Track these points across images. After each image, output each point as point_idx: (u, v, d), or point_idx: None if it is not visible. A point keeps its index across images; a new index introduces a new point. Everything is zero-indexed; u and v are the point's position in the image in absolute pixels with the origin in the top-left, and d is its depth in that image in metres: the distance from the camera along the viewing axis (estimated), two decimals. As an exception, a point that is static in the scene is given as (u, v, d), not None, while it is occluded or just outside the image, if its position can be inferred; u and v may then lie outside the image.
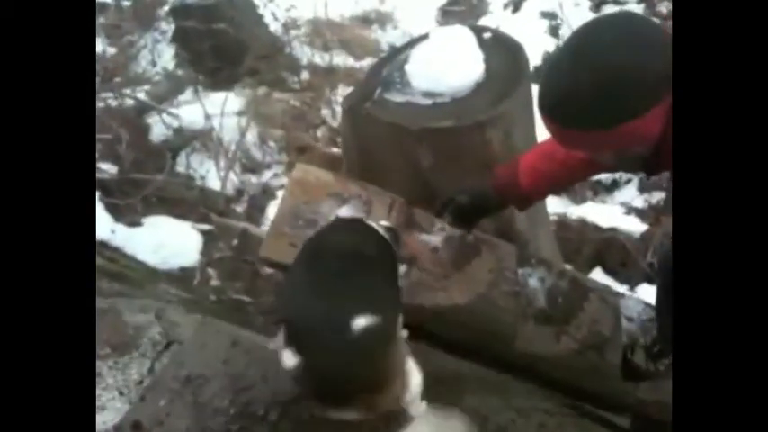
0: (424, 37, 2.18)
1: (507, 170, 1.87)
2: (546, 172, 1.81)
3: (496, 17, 4.39)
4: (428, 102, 2.08)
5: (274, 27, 4.47)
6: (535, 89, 2.44)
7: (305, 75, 4.31)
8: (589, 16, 4.35)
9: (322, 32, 4.42)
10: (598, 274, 3.33)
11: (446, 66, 2.07)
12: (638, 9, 4.40)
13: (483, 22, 4.37)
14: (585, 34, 1.34)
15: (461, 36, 2.12)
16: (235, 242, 3.26)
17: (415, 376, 1.32)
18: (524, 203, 1.93)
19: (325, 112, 4.02)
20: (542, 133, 2.68)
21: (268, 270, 2.83)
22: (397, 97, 2.12)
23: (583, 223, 3.55)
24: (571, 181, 2.01)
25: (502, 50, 2.16)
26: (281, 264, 2.13)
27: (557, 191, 2.28)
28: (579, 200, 3.68)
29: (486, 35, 2.18)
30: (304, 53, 4.37)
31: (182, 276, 3.06)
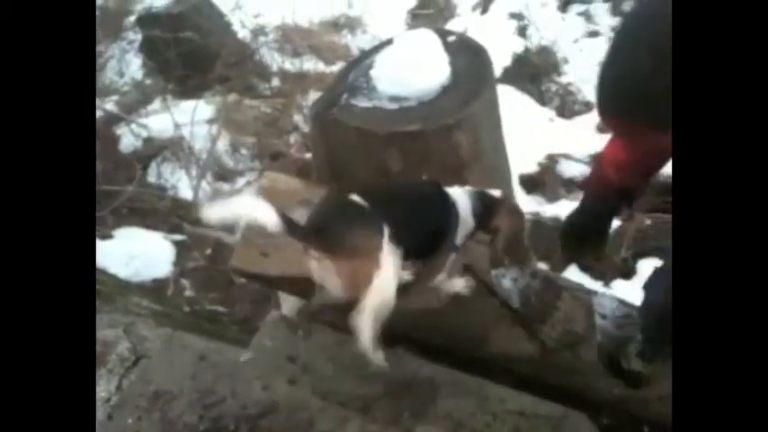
0: (389, 42, 2.18)
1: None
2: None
3: (465, 19, 4.40)
4: (395, 106, 2.08)
5: (243, 34, 4.44)
6: (501, 90, 2.46)
7: (275, 81, 4.28)
8: (556, 16, 4.39)
9: (291, 38, 4.40)
10: (573, 271, 3.35)
11: (412, 69, 2.07)
12: (604, 7, 4.44)
13: (452, 24, 4.38)
14: (637, 17, 1.19)
15: (426, 40, 2.12)
16: (208, 252, 3.23)
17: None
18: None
19: (296, 117, 3.99)
20: (509, 135, 2.71)
21: (243, 279, 2.80)
22: (363, 102, 2.12)
23: (557, 221, 3.56)
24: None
25: (467, 53, 2.17)
26: (252, 273, 2.12)
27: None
28: (552, 198, 3.70)
29: (451, 38, 2.18)
30: (274, 59, 4.35)
31: (155, 288, 3.02)
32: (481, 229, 1.84)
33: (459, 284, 1.99)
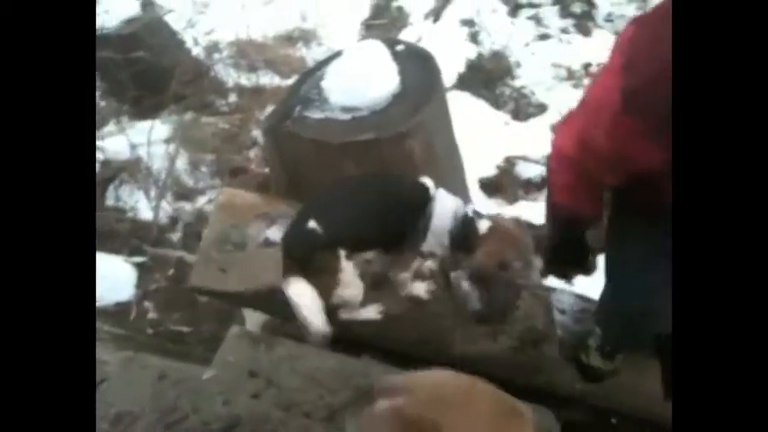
0: (339, 54, 2.21)
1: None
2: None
3: (418, 28, 4.45)
4: (347, 116, 2.10)
5: (196, 51, 4.41)
6: (457, 96, 2.49)
7: (232, 97, 4.27)
8: (506, 21, 4.48)
9: (246, 53, 4.39)
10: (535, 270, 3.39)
11: (362, 80, 2.10)
12: (553, 10, 4.54)
13: (405, 33, 4.42)
14: None
15: (375, 50, 2.15)
16: (171, 272, 3.19)
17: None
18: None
19: (255, 132, 3.98)
20: (467, 140, 2.74)
21: (205, 298, 2.78)
22: (316, 114, 2.13)
23: (517, 222, 3.61)
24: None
25: (415, 61, 2.21)
26: (212, 291, 2.11)
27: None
28: (512, 200, 3.75)
29: (399, 48, 2.21)
30: (229, 75, 4.33)
31: (117, 312, 2.97)
32: (456, 250, 1.91)
33: (421, 288, 2.03)
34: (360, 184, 1.91)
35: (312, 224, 1.74)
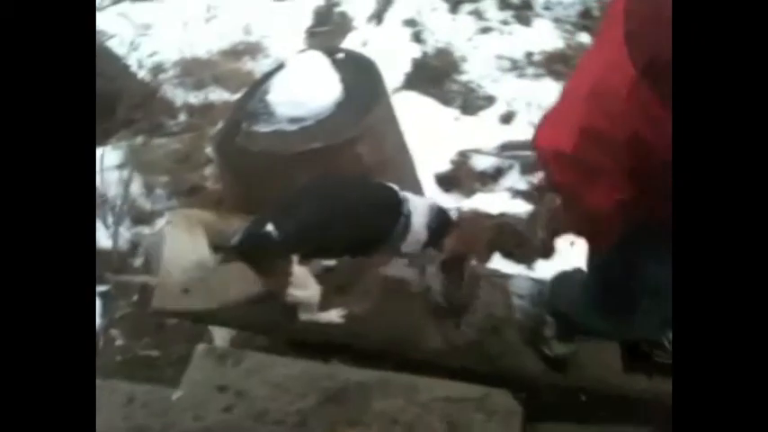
0: (281, 67, 2.24)
1: None
2: None
3: (362, 32, 4.48)
4: (295, 127, 2.14)
5: (142, 74, 4.38)
6: (405, 96, 2.50)
7: (182, 116, 4.24)
8: (447, 18, 4.55)
9: (192, 71, 4.38)
10: (498, 258, 3.46)
11: (305, 90, 2.13)
12: (492, 3, 4.63)
13: (350, 38, 4.44)
14: None
15: (315, 60, 2.19)
16: (135, 298, 3.17)
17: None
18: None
19: (208, 150, 3.97)
20: (419, 139, 2.80)
21: (173, 320, 2.78)
22: (264, 127, 2.16)
23: (476, 213, 3.68)
24: None
25: (356, 67, 2.25)
26: (177, 311, 2.12)
27: None
28: (469, 192, 3.82)
29: (339, 55, 2.26)
30: (178, 95, 4.31)
31: (85, 343, 2.94)
32: (432, 246, 1.98)
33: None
34: (326, 189, 1.92)
35: (269, 227, 1.75)
